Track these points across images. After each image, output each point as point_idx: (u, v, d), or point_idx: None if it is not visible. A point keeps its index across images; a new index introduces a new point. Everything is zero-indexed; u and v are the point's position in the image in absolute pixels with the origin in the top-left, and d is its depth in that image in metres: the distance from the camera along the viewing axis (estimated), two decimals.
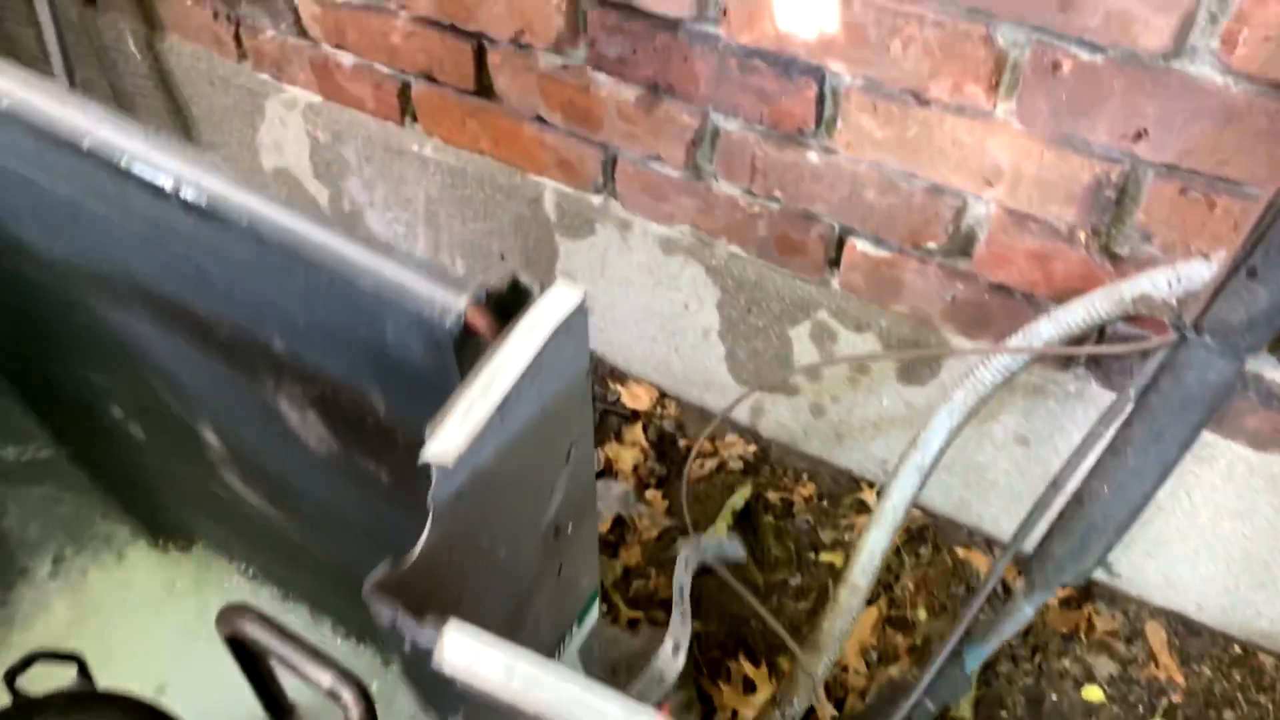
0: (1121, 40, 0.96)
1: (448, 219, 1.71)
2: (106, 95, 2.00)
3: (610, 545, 1.50)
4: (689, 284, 1.51)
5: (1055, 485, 0.92)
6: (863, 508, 1.55)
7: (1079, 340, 1.09)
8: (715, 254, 1.44)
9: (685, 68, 1.25)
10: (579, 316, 0.57)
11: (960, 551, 1.49)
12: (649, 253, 1.51)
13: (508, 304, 0.58)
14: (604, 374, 1.75)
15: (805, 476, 1.59)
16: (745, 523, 1.53)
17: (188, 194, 0.63)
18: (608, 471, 1.62)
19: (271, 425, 0.78)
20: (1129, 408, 0.85)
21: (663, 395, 1.72)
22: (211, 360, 0.78)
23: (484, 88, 1.48)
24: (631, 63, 1.29)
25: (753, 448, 1.62)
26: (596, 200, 1.51)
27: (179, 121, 1.93)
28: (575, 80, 1.36)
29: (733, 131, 1.28)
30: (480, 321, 0.58)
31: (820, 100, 1.19)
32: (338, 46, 1.58)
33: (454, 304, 0.57)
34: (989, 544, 1.50)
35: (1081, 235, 1.13)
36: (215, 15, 1.67)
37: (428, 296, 0.58)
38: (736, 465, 1.60)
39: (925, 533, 1.51)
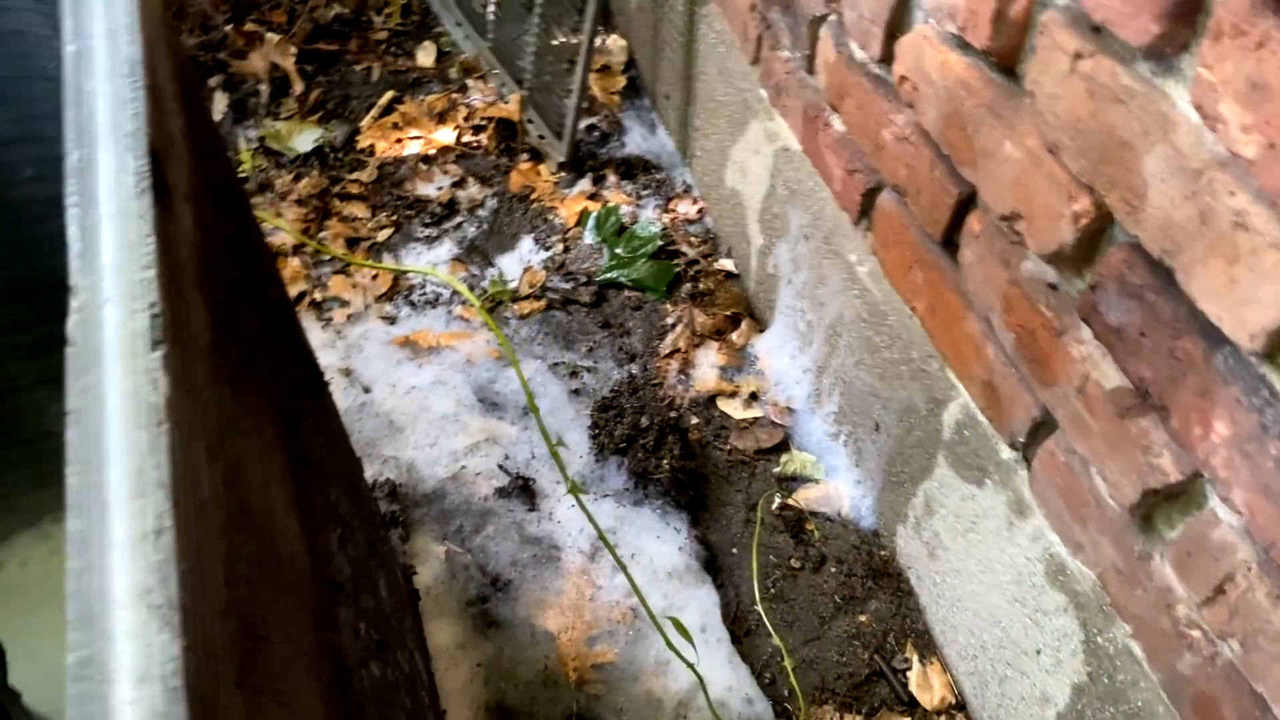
0: None
1: (846, 348, 1.36)
2: (648, 35, 1.87)
3: None
4: (1054, 636, 1.03)
5: None
6: None
7: None
8: (1108, 635, 0.95)
9: (1199, 403, 0.77)
10: None
11: None
12: (1029, 563, 1.05)
13: None
14: (909, 633, 1.33)
15: None
16: None
17: None
18: None
19: None
20: None
21: (961, 700, 1.26)
22: None
23: (949, 244, 1.08)
24: (1131, 344, 0.83)
25: None
26: (1004, 454, 1.07)
27: (684, 88, 1.74)
28: (1051, 312, 0.93)
29: (1227, 524, 0.79)
30: None
31: None
32: (833, 107, 1.25)
33: None
34: None
35: None
36: (752, 7, 1.42)
37: None
38: None
39: None
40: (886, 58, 1.10)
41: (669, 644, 0.98)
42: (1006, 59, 0.90)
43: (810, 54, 1.28)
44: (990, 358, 1.05)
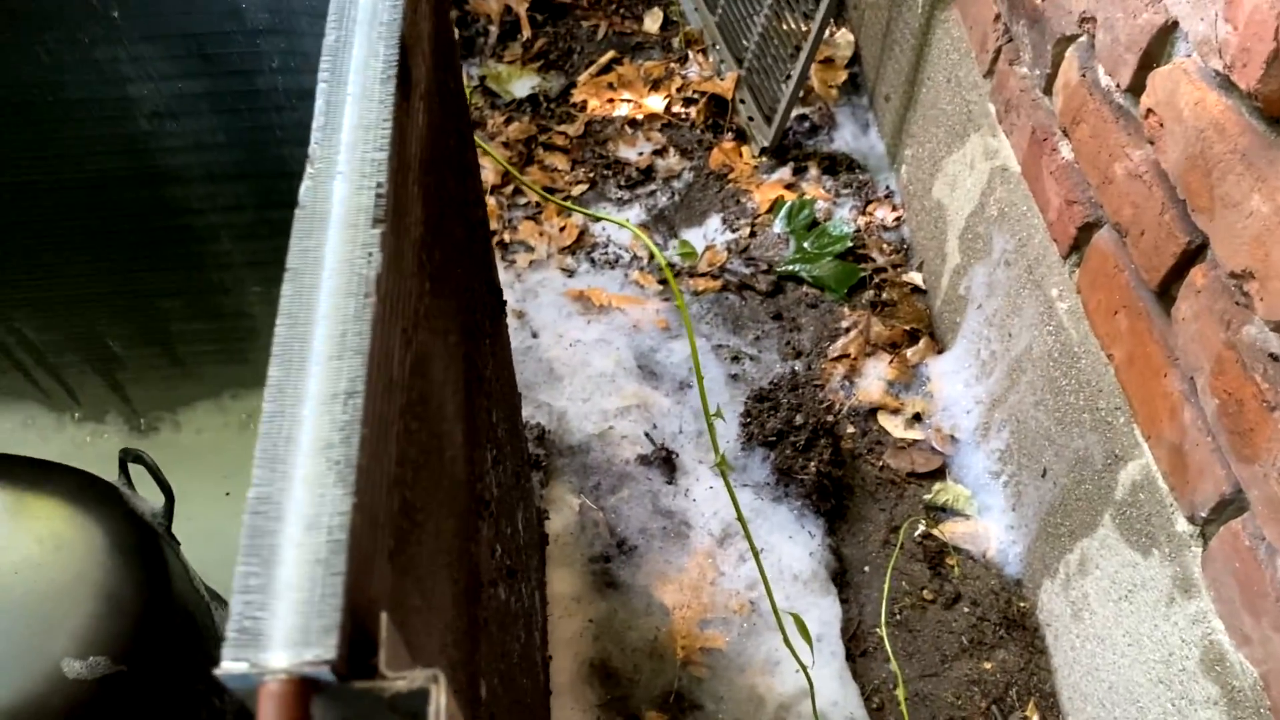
0: None
1: (1028, 385, 1.29)
2: (879, 33, 1.83)
3: None
4: (1203, 709, 0.96)
5: None
6: None
7: None
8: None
9: None
10: None
11: None
12: (1184, 646, 0.98)
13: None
14: (1033, 692, 1.26)
15: None
16: None
17: None
18: None
19: None
20: None
21: None
22: None
23: (1164, 294, 1.01)
24: None
25: None
26: (1179, 526, 1.00)
27: (906, 91, 1.70)
28: (1267, 384, 0.85)
29: None
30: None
31: None
32: (1065, 132, 1.19)
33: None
34: None
35: None
36: (996, 18, 1.37)
37: None
38: None
39: None
40: (1135, 88, 1.03)
41: (786, 639, 0.96)
42: (1273, 106, 0.82)
43: (1051, 74, 1.21)
44: (1185, 421, 0.98)
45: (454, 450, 0.56)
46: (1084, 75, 1.13)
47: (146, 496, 0.86)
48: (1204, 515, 0.96)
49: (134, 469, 0.88)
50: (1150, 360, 1.03)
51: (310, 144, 0.43)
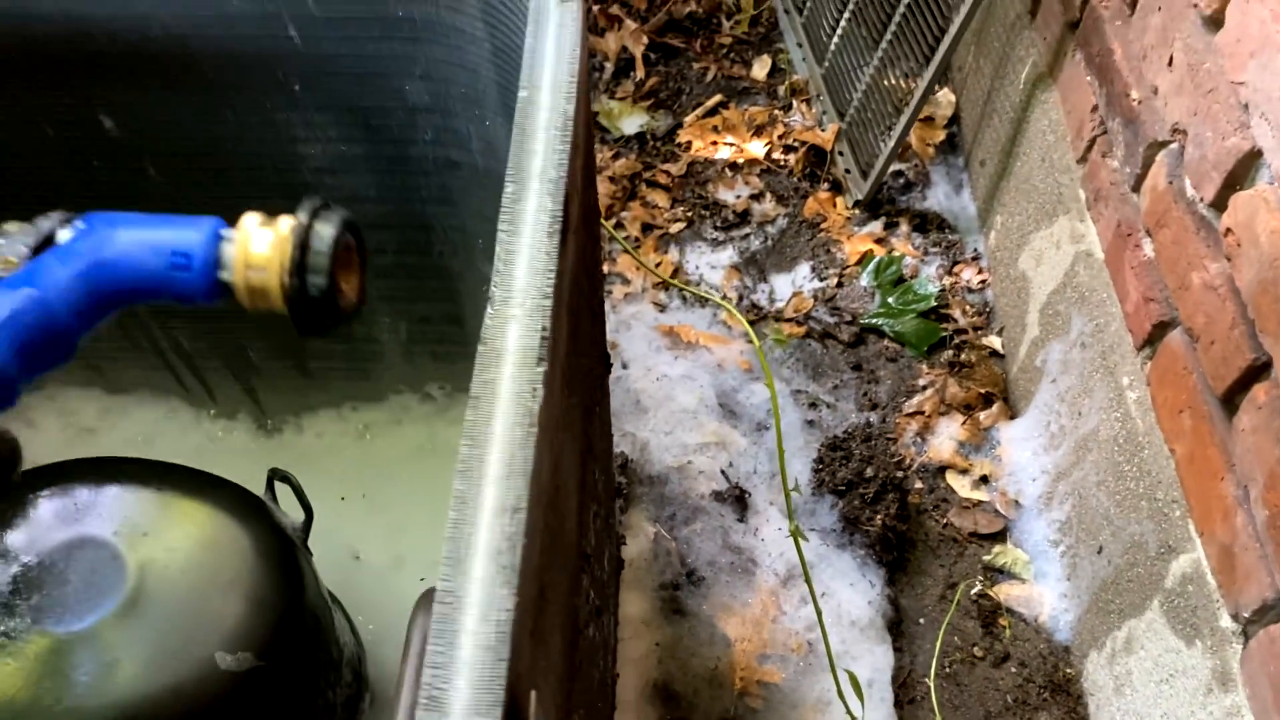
0: None
1: (1093, 464, 1.35)
2: (980, 99, 1.88)
3: None
4: None
5: None
6: None
7: None
8: None
9: None
10: None
11: None
12: None
13: None
14: None
15: None
16: None
17: None
18: None
19: None
20: None
21: None
22: None
23: (1228, 402, 1.07)
24: None
25: None
26: (1223, 622, 1.06)
27: (1001, 161, 1.75)
28: None
29: None
30: None
31: None
32: (1149, 231, 1.25)
33: None
34: None
35: None
36: (1094, 109, 1.42)
37: None
38: None
39: None
40: (1218, 204, 1.09)
41: (839, 690, 1.05)
42: None
43: (1140, 174, 1.27)
44: (1237, 526, 1.03)
45: (570, 520, 0.66)
46: (1171, 183, 1.19)
47: (287, 511, 0.98)
48: (1247, 615, 1.02)
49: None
50: (1209, 462, 1.09)
51: (491, 286, 0.54)
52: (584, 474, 0.74)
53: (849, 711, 1.09)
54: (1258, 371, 1.02)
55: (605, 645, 1.05)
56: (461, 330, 1.24)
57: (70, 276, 0.64)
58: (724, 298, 1.84)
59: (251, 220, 0.64)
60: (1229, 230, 1.06)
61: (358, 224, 0.66)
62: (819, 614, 1.01)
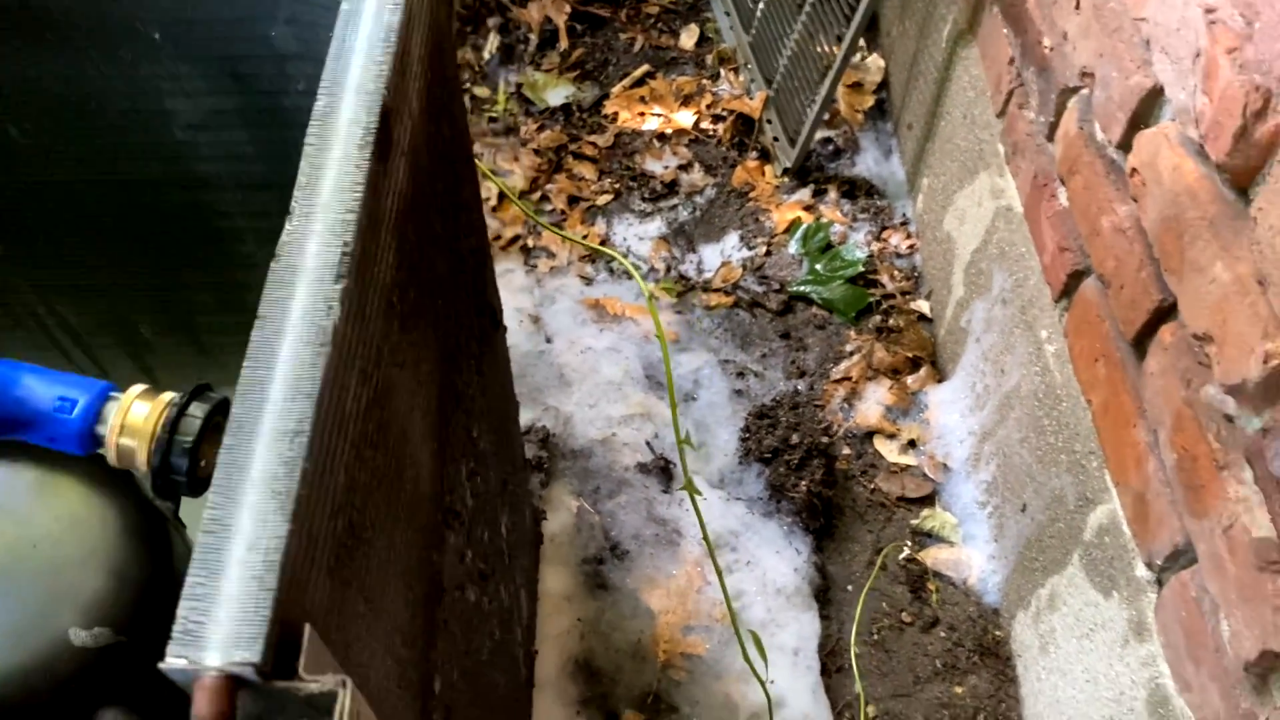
0: None
1: (1015, 421, 1.33)
2: (907, 62, 1.86)
3: None
4: None
5: None
6: None
7: None
8: None
9: None
10: None
11: None
12: (1133, 687, 1.02)
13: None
14: (1000, 719, 1.30)
15: None
16: None
17: None
18: None
19: None
20: None
21: None
22: None
23: (1139, 346, 1.05)
24: None
25: None
26: (1139, 572, 1.04)
27: (927, 122, 1.73)
28: (1218, 444, 0.89)
29: None
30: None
31: None
32: (1063, 180, 1.23)
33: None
34: None
35: None
36: (1010, 61, 1.40)
37: None
38: None
39: None
40: (1124, 145, 1.07)
41: (745, 655, 1.02)
42: (1240, 179, 0.86)
43: (1054, 122, 1.25)
44: (1149, 472, 1.01)
45: (417, 469, 0.62)
46: (1082, 128, 1.17)
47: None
48: (1159, 563, 1.00)
49: None
50: (1122, 409, 1.07)
51: (291, 202, 0.50)
52: (445, 426, 0.70)
53: (754, 673, 1.06)
54: (1164, 313, 0.99)
55: (505, 615, 1.01)
56: None
57: None
58: (650, 270, 1.81)
59: (136, 389, 0.69)
60: (1134, 170, 1.04)
61: (229, 408, 0.68)
62: (721, 580, 0.98)
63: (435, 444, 0.67)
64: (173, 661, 0.37)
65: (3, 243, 1.13)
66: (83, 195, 1.08)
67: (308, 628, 0.39)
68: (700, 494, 0.91)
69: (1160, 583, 1.00)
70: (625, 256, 1.82)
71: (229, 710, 0.37)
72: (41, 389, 0.70)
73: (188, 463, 0.67)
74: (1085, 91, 1.18)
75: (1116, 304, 1.09)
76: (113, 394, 0.69)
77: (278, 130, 1.00)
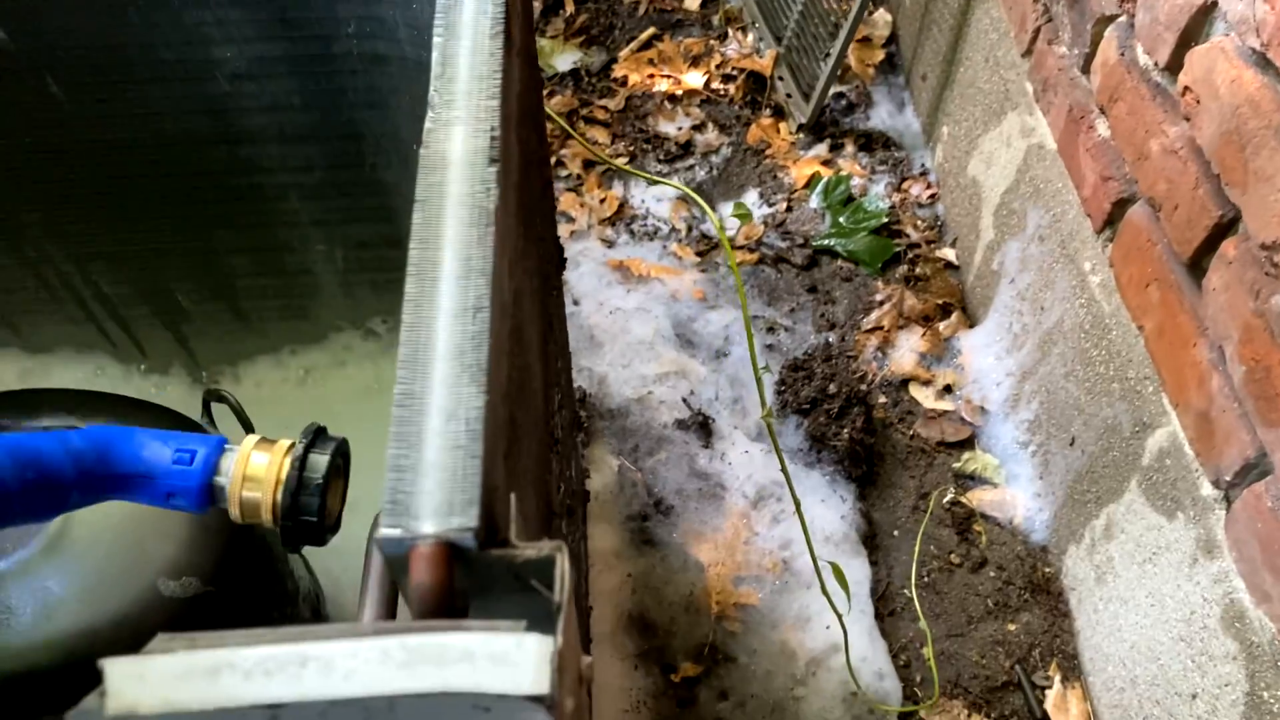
0: None
1: (1059, 356, 1.33)
2: (917, 13, 1.86)
3: None
4: (1216, 683, 1.00)
5: None
6: None
7: None
8: (1275, 692, 0.92)
9: None
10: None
11: None
12: (1205, 604, 1.02)
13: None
14: (1056, 653, 1.31)
15: None
16: None
17: None
18: None
19: None
20: None
21: None
22: None
23: (1196, 266, 1.05)
24: None
25: None
26: (1204, 490, 1.04)
27: (944, 70, 1.73)
28: None
29: None
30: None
31: None
32: (1102, 110, 1.23)
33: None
34: None
35: None
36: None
37: None
38: None
39: None
40: (1173, 66, 1.07)
41: (823, 588, 1.01)
42: None
43: (1089, 53, 1.25)
44: (1213, 389, 1.02)
45: (536, 383, 0.61)
46: (1122, 54, 1.17)
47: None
48: (1228, 479, 1.00)
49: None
50: (1180, 330, 1.07)
51: (430, 91, 0.48)
52: (546, 346, 0.69)
53: (835, 610, 1.06)
54: (1226, 227, 0.99)
55: (576, 560, 1.00)
56: (401, 254, 1.17)
57: (83, 437, 0.64)
58: (672, 230, 1.79)
59: (252, 439, 0.67)
60: (1186, 89, 1.04)
61: (348, 449, 0.68)
62: (799, 507, 0.97)
63: (543, 364, 0.66)
64: (387, 532, 0.36)
65: (39, 209, 1.11)
66: (122, 156, 1.05)
67: (513, 497, 0.38)
68: (775, 419, 0.90)
69: (1229, 499, 1.01)
70: (645, 219, 1.80)
71: (448, 579, 0.36)
72: (161, 442, 0.67)
73: (318, 502, 0.64)
74: (1124, 18, 1.17)
75: (1169, 226, 1.09)
76: (228, 446, 0.67)
77: (326, 79, 0.98)
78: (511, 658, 0.33)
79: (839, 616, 1.07)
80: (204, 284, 1.22)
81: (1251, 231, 0.94)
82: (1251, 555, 0.96)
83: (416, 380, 0.39)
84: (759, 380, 0.86)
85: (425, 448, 0.37)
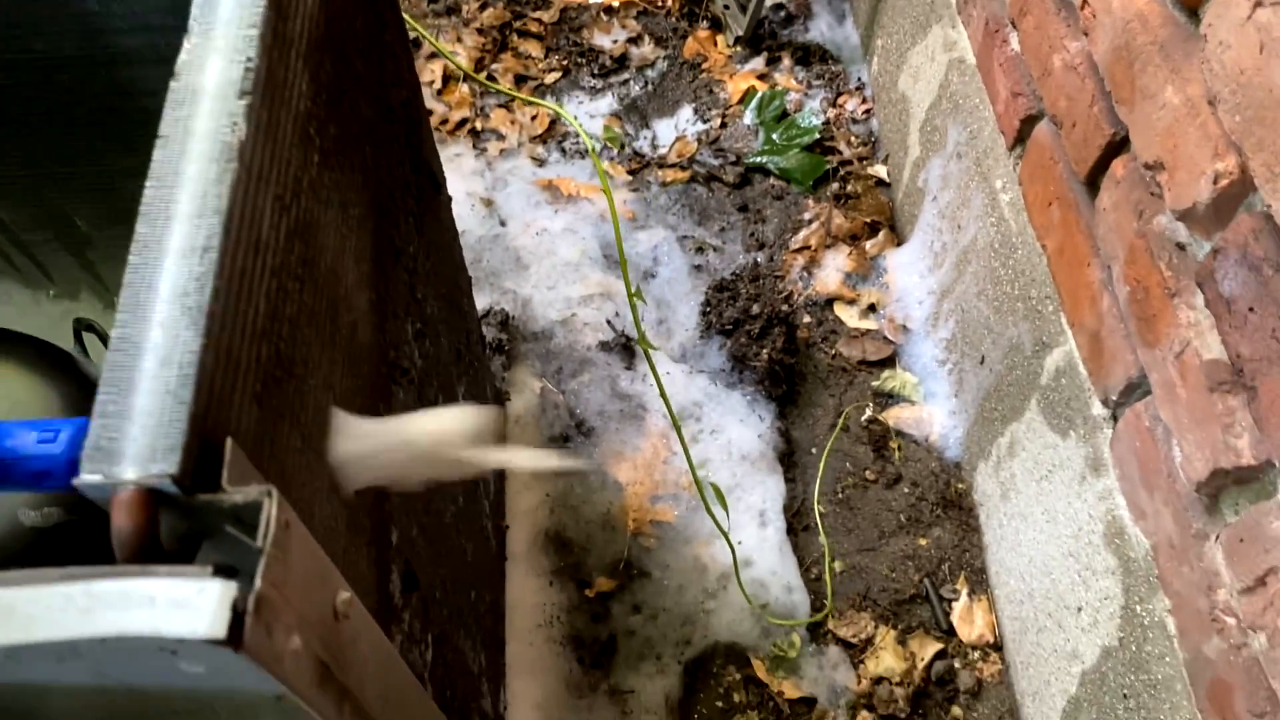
0: None
1: (973, 275, 1.33)
2: None
3: None
4: (1097, 597, 1.03)
5: None
6: None
7: None
8: (1148, 605, 0.95)
9: None
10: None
11: None
12: (1090, 521, 1.04)
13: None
14: (964, 567, 1.33)
15: None
16: None
17: None
18: None
19: None
20: None
21: (998, 642, 1.28)
22: None
23: (1092, 185, 1.04)
24: (1238, 317, 0.80)
25: None
26: (1094, 410, 1.05)
27: None
28: (1170, 272, 0.89)
29: None
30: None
31: None
32: (1014, 23, 1.20)
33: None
34: None
35: None
36: None
37: None
38: None
39: None
40: None
41: (707, 508, 1.02)
42: None
43: None
44: (1103, 309, 1.02)
45: (355, 316, 0.61)
46: None
47: (99, 363, 0.91)
48: (1114, 398, 1.01)
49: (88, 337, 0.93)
50: (1077, 250, 1.07)
51: (189, 20, 0.47)
52: (384, 278, 0.68)
53: (716, 523, 1.08)
54: (1117, 146, 0.98)
55: (470, 485, 1.01)
56: None
57: None
58: (604, 148, 1.77)
59: None
60: (1085, 3, 1.01)
61: None
62: (679, 433, 0.98)
63: (374, 294, 0.65)
64: (87, 478, 0.36)
65: None
66: None
67: (229, 441, 0.38)
68: (655, 347, 0.90)
69: (1115, 418, 1.02)
70: (578, 136, 1.78)
71: (147, 525, 0.36)
72: (20, 432, 0.65)
73: None
74: None
75: (1069, 144, 1.07)
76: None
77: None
78: (192, 603, 0.33)
79: (725, 534, 1.09)
80: (101, 209, 1.20)
81: (1138, 150, 0.93)
82: (1131, 473, 0.98)
83: (135, 324, 0.38)
84: (633, 306, 0.86)
85: (135, 393, 0.37)
